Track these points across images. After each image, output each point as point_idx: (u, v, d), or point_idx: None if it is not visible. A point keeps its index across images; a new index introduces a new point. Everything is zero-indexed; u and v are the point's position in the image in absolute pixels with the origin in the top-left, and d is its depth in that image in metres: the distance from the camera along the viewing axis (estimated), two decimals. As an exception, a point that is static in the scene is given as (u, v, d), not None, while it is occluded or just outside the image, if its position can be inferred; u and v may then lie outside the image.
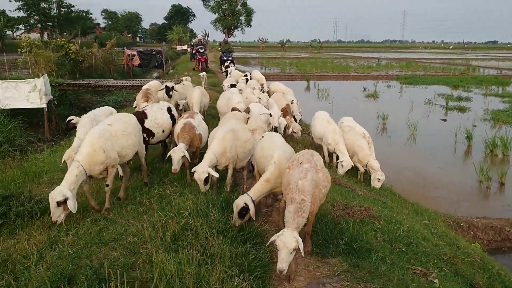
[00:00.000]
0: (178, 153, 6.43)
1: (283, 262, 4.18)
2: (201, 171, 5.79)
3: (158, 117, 7.83)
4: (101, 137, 5.62)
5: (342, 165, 8.64)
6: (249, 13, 69.16)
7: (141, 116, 7.49)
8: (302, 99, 17.13)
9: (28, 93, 12.81)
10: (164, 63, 30.44)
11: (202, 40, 30.29)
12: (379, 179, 8.67)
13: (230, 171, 6.38)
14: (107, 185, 5.87)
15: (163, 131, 7.90)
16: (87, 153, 5.46)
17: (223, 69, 24.66)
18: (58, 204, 5.09)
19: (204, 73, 18.50)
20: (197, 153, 7.25)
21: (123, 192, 6.36)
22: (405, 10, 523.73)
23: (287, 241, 4.21)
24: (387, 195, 8.59)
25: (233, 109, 8.75)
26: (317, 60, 55.19)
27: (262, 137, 6.52)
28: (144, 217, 5.21)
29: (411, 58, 64.45)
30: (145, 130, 7.40)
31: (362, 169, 9.11)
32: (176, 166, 6.38)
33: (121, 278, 3.64)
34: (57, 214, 5.16)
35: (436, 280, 4.29)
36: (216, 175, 6.05)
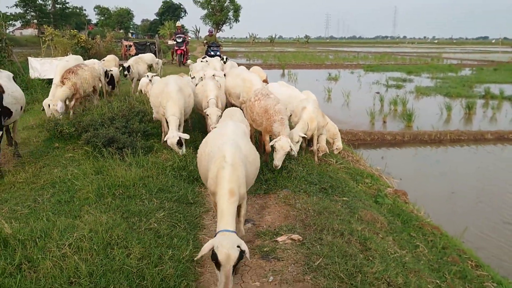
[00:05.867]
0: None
1: (279, 160, 5.43)
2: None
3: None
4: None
5: None
6: (236, 8, 72.57)
7: None
8: (275, 81, 21.54)
9: (58, 67, 17.15)
10: (157, 53, 34.81)
11: (181, 29, 28.36)
12: None
13: None
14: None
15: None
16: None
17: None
18: None
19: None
20: None
21: None
22: (395, 6, 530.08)
23: (284, 145, 5.40)
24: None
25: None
26: (300, 53, 58.19)
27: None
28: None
29: (390, 52, 68.32)
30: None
31: None
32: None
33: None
34: None
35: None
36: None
